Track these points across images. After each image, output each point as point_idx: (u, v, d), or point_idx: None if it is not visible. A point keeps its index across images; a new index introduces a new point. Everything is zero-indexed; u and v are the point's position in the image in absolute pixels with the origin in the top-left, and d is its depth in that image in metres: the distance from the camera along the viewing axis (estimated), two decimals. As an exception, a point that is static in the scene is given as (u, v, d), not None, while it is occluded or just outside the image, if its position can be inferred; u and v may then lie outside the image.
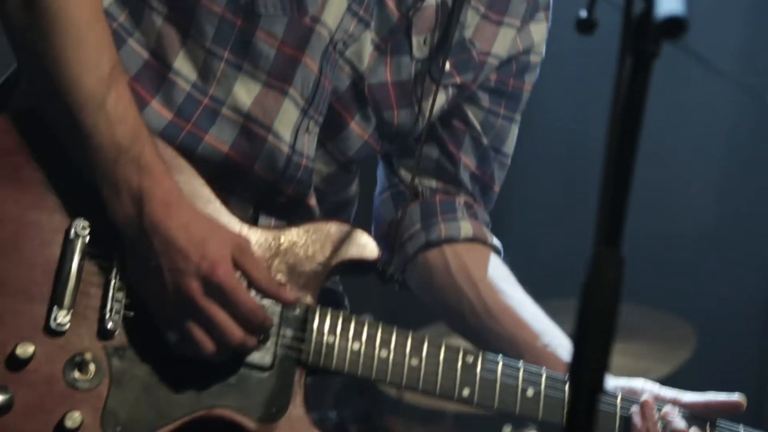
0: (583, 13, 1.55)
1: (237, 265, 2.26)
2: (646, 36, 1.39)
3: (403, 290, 2.77)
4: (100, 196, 2.24)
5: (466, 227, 2.73)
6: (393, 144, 2.66)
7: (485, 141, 2.73)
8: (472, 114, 2.71)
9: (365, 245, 2.44)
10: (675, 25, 1.33)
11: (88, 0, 2.28)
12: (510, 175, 2.84)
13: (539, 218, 6.31)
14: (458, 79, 2.61)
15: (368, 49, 2.48)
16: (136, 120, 2.26)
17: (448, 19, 2.53)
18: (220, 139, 2.39)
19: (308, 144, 2.45)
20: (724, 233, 6.22)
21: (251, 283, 2.28)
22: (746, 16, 6.26)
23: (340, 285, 2.64)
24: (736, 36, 6.23)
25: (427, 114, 2.55)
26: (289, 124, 2.42)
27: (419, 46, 2.53)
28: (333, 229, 2.42)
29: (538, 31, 2.72)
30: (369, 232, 2.49)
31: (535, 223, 6.25)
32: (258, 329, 2.27)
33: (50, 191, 2.29)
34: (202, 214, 2.27)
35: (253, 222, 2.43)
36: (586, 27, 1.55)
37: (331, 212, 2.59)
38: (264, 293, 2.30)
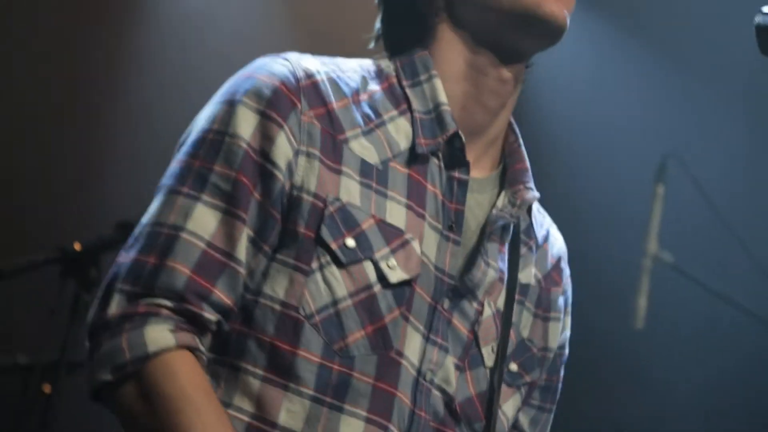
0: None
1: None
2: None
3: None
4: None
5: None
6: None
7: None
8: (522, 414, 2.82)
9: None
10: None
11: (198, 379, 2.42)
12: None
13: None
14: (527, 378, 2.77)
15: (453, 372, 2.62)
16: None
17: (504, 323, 2.70)
18: None
19: None
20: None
21: None
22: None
23: None
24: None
25: (500, 419, 2.70)
26: None
27: (489, 355, 2.68)
28: None
29: (568, 323, 2.88)
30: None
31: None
32: None
33: None
34: None
35: None
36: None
37: None
38: None
